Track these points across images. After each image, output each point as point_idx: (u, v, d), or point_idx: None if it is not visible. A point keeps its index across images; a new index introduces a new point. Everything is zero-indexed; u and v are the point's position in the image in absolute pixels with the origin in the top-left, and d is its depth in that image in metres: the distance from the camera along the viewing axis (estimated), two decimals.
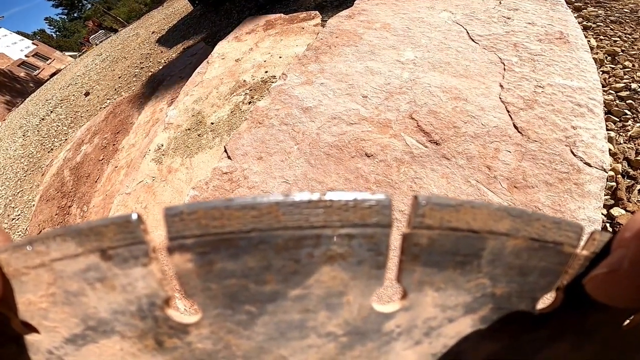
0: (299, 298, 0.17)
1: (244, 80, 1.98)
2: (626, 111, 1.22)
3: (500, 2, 1.43)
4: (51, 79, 10.56)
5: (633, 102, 1.23)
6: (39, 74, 19.69)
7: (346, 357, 0.19)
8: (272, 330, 0.17)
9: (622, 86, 1.29)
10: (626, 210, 1.00)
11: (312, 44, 1.49)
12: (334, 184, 1.00)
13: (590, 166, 0.88)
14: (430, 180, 0.95)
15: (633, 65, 1.36)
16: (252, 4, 4.43)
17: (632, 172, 1.08)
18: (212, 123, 1.77)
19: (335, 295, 0.17)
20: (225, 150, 1.19)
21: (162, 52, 5.04)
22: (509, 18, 1.34)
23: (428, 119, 1.07)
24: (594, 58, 1.29)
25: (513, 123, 1.00)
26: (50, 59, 23.28)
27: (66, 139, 4.07)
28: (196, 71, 2.34)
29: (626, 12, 1.61)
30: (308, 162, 1.07)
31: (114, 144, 2.76)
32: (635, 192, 1.04)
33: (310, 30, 2.22)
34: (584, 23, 1.62)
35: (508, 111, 1.03)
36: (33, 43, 25.85)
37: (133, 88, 4.17)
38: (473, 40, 1.29)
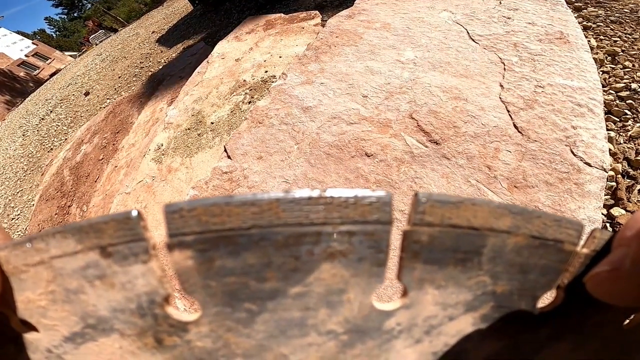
0: (299, 295, 0.17)
1: (244, 80, 1.98)
2: (626, 111, 1.22)
3: (500, 2, 1.43)
4: (51, 79, 10.56)
5: (633, 102, 1.23)
6: (38, 73, 19.68)
7: (347, 355, 0.19)
8: (272, 328, 0.17)
9: (622, 86, 1.29)
10: (626, 210, 1.00)
11: (312, 44, 1.49)
12: (334, 184, 1.00)
13: (591, 166, 0.88)
14: (431, 180, 0.95)
15: (633, 65, 1.36)
16: (252, 3, 4.43)
17: (632, 172, 1.08)
18: (212, 123, 1.77)
19: (335, 292, 0.17)
20: (225, 150, 1.19)
21: (162, 51, 5.04)
22: (509, 18, 1.34)
23: (428, 119, 1.07)
24: (594, 58, 1.29)
25: (513, 123, 1.00)
26: (50, 58, 23.28)
27: (66, 139, 4.06)
28: (196, 71, 2.34)
29: (626, 12, 1.61)
30: (308, 161, 1.07)
31: (113, 144, 2.76)
32: (635, 192, 1.04)
33: (310, 30, 2.22)
34: (584, 23, 1.62)
35: (508, 111, 1.03)
36: (33, 43, 25.85)
37: (133, 88, 4.17)
38: (473, 40, 1.29)
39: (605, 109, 1.23)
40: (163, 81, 3.21)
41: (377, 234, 0.15)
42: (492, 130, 1.00)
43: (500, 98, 1.07)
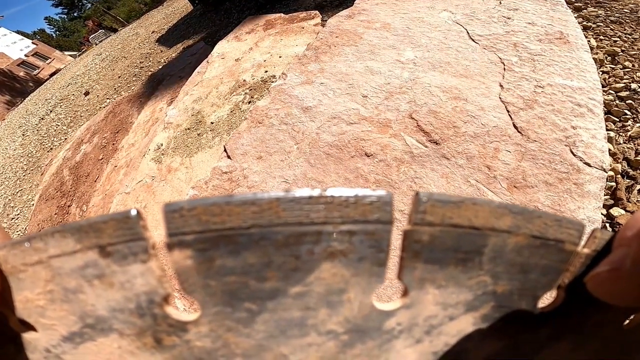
0: (300, 295, 0.16)
1: (244, 80, 1.98)
2: (626, 111, 1.23)
3: (500, 2, 1.43)
4: (51, 79, 10.55)
5: (633, 102, 1.24)
6: (38, 73, 19.67)
7: (347, 355, 0.19)
8: (272, 328, 0.17)
9: (622, 86, 1.30)
10: (626, 210, 1.00)
11: (312, 44, 1.49)
12: (334, 184, 1.00)
13: (590, 166, 0.88)
14: (430, 180, 0.95)
15: (633, 66, 1.36)
16: (252, 3, 4.43)
17: (631, 172, 1.08)
18: (211, 122, 1.77)
19: (335, 292, 0.17)
20: (225, 150, 1.19)
21: (161, 51, 5.04)
22: (509, 18, 1.34)
23: (428, 119, 1.07)
24: (594, 58, 1.29)
25: (513, 123, 1.00)
26: (50, 58, 23.26)
27: (66, 139, 4.06)
28: (196, 71, 2.34)
29: (626, 12, 1.61)
30: (308, 161, 1.07)
31: (113, 144, 2.76)
32: (635, 192, 1.04)
33: (310, 29, 2.22)
34: (584, 23, 1.62)
35: (508, 111, 1.03)
36: (33, 42, 25.83)
37: (133, 87, 4.17)
38: (473, 40, 1.29)
39: (605, 109, 1.23)
40: (163, 81, 3.21)
41: (377, 234, 0.15)
42: (492, 130, 1.00)
43: (500, 98, 1.07)
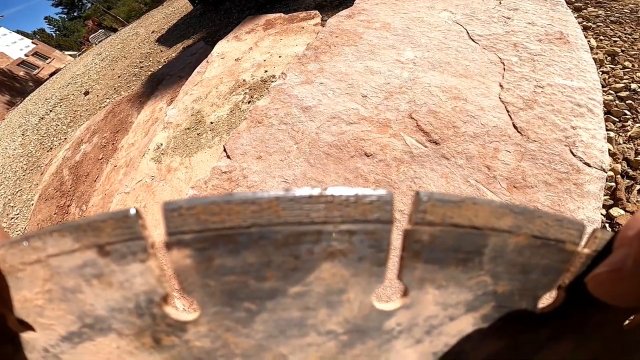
0: (299, 295, 0.16)
1: (244, 80, 1.98)
2: (626, 111, 1.23)
3: (500, 2, 1.43)
4: (50, 78, 10.55)
5: (633, 103, 1.24)
6: (38, 73, 19.65)
7: (346, 355, 0.19)
8: (272, 328, 0.17)
9: (622, 86, 1.30)
10: (625, 211, 1.00)
11: (311, 44, 1.48)
12: (333, 184, 1.00)
13: (590, 166, 0.88)
14: (430, 180, 0.95)
15: (633, 66, 1.36)
16: (252, 3, 4.43)
17: (631, 172, 1.08)
18: (211, 122, 1.77)
19: (335, 292, 0.16)
20: (225, 150, 1.19)
21: (161, 51, 5.04)
22: (509, 18, 1.34)
23: (428, 119, 1.07)
24: (593, 58, 1.29)
25: (513, 123, 1.00)
26: (50, 58, 23.24)
27: (65, 138, 4.06)
28: (196, 70, 2.34)
29: (626, 12, 1.61)
30: (307, 161, 1.07)
31: (113, 143, 2.75)
32: (635, 192, 1.04)
33: (310, 29, 2.22)
34: (584, 23, 1.62)
35: (508, 111, 1.03)
36: (32, 42, 25.81)
37: (132, 87, 4.17)
38: (473, 40, 1.29)
39: (605, 109, 1.23)
40: (163, 81, 3.21)
41: (377, 233, 0.15)
42: (492, 130, 1.00)
43: (499, 98, 1.07)
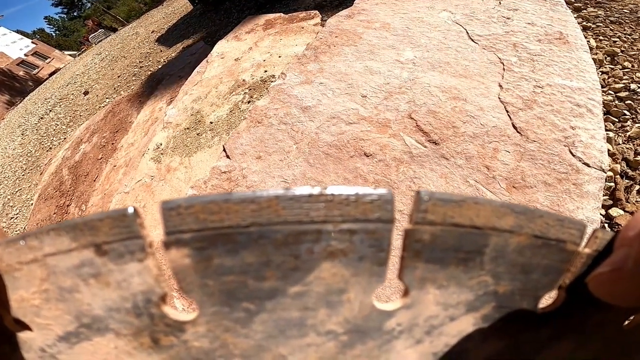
0: (299, 295, 0.16)
1: (243, 80, 1.98)
2: (625, 112, 1.23)
3: (500, 2, 1.43)
4: (50, 78, 10.54)
5: (632, 103, 1.24)
6: (38, 72, 19.62)
7: (346, 356, 0.18)
8: (271, 328, 0.17)
9: (621, 87, 1.30)
10: (625, 211, 1.00)
11: (311, 44, 1.48)
12: (333, 184, 1.00)
13: (589, 166, 0.88)
14: (429, 180, 0.94)
15: (632, 66, 1.36)
16: (252, 3, 4.43)
17: (630, 172, 1.08)
18: (211, 122, 1.77)
19: (335, 292, 0.16)
20: (224, 150, 1.19)
21: (161, 51, 5.03)
22: (508, 18, 1.34)
23: (427, 119, 1.07)
24: (593, 58, 1.29)
25: (512, 123, 1.00)
26: (50, 58, 23.21)
27: (65, 138, 4.06)
28: (195, 70, 2.34)
29: (626, 12, 1.61)
30: (307, 161, 1.07)
31: (112, 143, 2.75)
32: (634, 192, 1.04)
33: (310, 29, 2.22)
34: (584, 23, 1.62)
35: (507, 111, 1.03)
36: (32, 42, 25.79)
37: (132, 87, 4.16)
38: (472, 40, 1.29)
39: (604, 110, 1.23)
40: (162, 80, 3.21)
41: (378, 233, 0.15)
42: (491, 130, 1.00)
43: (499, 98, 1.07)
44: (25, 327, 0.17)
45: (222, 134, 1.65)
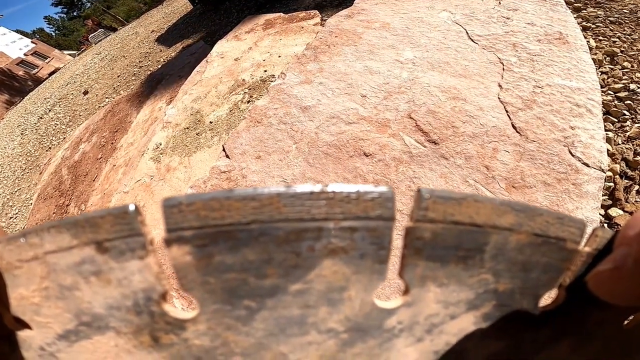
0: (300, 293, 0.16)
1: (243, 79, 1.97)
2: (625, 112, 1.23)
3: (499, 3, 1.43)
4: (50, 78, 10.52)
5: (632, 103, 1.24)
6: (37, 72, 19.60)
7: (347, 354, 0.18)
8: (272, 326, 0.17)
9: (621, 87, 1.30)
10: (624, 211, 1.00)
11: (311, 43, 1.48)
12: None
13: (589, 166, 0.88)
14: (429, 180, 0.95)
15: (632, 66, 1.36)
16: (252, 3, 4.43)
17: (630, 172, 1.08)
18: (210, 122, 1.77)
19: (336, 290, 0.16)
20: (224, 149, 1.19)
21: (161, 51, 5.03)
22: (508, 18, 1.34)
23: (427, 119, 1.07)
24: (593, 58, 1.29)
25: (512, 123, 1.00)
26: (49, 57, 23.18)
27: (64, 138, 4.05)
28: (195, 70, 2.33)
29: (625, 12, 1.61)
30: (306, 161, 1.07)
31: (112, 143, 2.75)
32: (633, 192, 1.04)
33: (310, 29, 2.22)
34: (584, 24, 1.62)
35: (507, 111, 1.03)
36: (32, 42, 25.76)
37: (132, 87, 4.16)
38: (472, 40, 1.29)
39: (604, 110, 1.23)
40: (162, 80, 3.20)
41: (379, 230, 0.15)
42: (491, 130, 1.00)
43: (498, 98, 1.07)
44: (25, 325, 0.17)
45: (222, 133, 1.65)
